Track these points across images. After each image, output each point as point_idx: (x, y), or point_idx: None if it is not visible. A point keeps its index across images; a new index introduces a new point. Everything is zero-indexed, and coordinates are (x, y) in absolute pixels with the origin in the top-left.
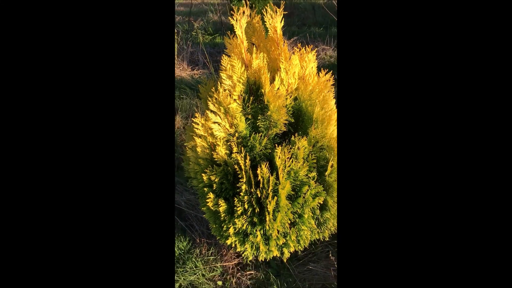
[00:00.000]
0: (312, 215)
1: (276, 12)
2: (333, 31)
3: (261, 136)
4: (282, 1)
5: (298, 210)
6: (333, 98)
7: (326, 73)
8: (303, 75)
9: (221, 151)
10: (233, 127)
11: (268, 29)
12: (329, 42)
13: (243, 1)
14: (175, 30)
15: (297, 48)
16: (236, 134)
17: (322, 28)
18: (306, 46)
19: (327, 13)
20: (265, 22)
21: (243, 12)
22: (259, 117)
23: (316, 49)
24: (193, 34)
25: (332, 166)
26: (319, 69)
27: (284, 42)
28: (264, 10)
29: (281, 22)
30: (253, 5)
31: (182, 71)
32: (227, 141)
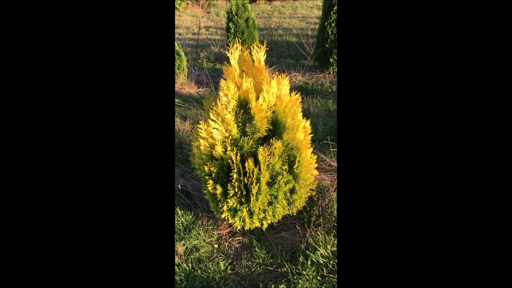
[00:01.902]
0: (284, 196)
1: (260, 48)
2: (302, 62)
3: (248, 138)
4: (265, 40)
5: (274, 193)
6: (300, 112)
7: (296, 94)
8: (279, 95)
9: (219, 149)
10: (228, 131)
11: (254, 60)
12: (299, 70)
13: (237, 39)
14: (186, 58)
15: (275, 75)
16: (230, 137)
17: (294, 60)
18: (282, 73)
19: (298, 49)
20: (252, 55)
21: (237, 48)
22: (247, 125)
23: (289, 75)
24: (199, 62)
25: (298, 161)
26: (291, 90)
27: (266, 70)
28: (252, 46)
29: (263, 55)
30: (244, 42)
31: (190, 88)
32: (223, 142)
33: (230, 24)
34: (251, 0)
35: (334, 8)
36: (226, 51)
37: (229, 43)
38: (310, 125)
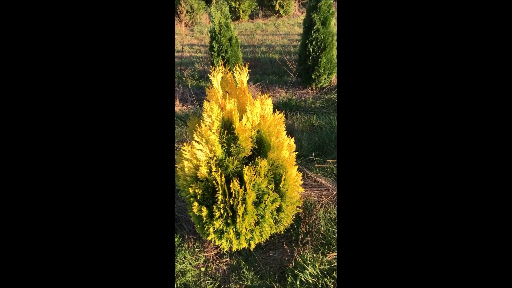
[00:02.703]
0: (271, 215)
1: (243, 69)
2: (286, 78)
3: (233, 158)
4: (247, 62)
5: (261, 212)
6: (284, 130)
7: (279, 113)
8: (263, 114)
9: (203, 170)
10: (212, 152)
11: (237, 82)
12: (283, 87)
13: (220, 57)
14: None
15: (259, 94)
16: (215, 158)
17: (278, 76)
18: (267, 89)
19: (281, 66)
20: (235, 76)
21: (219, 70)
22: (231, 145)
23: (274, 91)
24: (183, 79)
25: (284, 179)
26: (276, 106)
27: (249, 91)
28: (235, 68)
29: (246, 76)
30: (228, 60)
31: (175, 106)
32: (208, 163)
33: (214, 43)
34: (234, 18)
35: (314, 27)
36: (210, 71)
37: (213, 61)
38: (295, 141)
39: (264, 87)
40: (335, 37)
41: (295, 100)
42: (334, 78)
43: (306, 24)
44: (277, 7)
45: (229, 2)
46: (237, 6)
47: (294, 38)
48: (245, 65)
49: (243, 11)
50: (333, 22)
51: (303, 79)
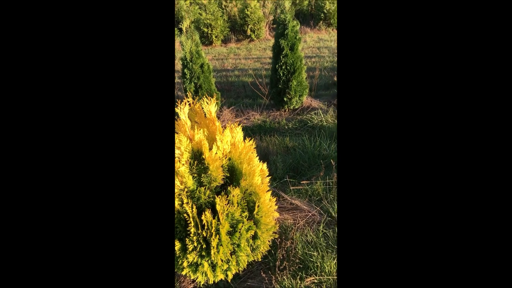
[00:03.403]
0: (247, 243)
1: (210, 100)
2: (259, 101)
3: (205, 189)
4: (221, 99)
5: (236, 241)
6: (256, 156)
7: (250, 140)
8: (233, 142)
9: (175, 203)
10: (183, 184)
11: (206, 112)
12: (257, 109)
13: (192, 83)
14: None
15: (228, 124)
16: (186, 189)
17: (251, 99)
18: (241, 114)
19: (253, 90)
20: (203, 107)
21: (186, 102)
22: (202, 175)
23: (248, 114)
24: None
25: (258, 206)
26: (250, 129)
27: (218, 120)
28: (202, 99)
29: (214, 107)
30: (201, 85)
31: None
32: (179, 195)
33: (186, 70)
34: (207, 43)
35: (283, 52)
36: (178, 103)
37: (185, 88)
38: (270, 163)
39: (238, 111)
40: (303, 61)
41: (269, 122)
42: (305, 99)
43: (275, 49)
44: (248, 31)
45: (201, 28)
46: (209, 32)
47: (266, 61)
48: (218, 90)
49: (215, 36)
50: (300, 47)
51: (276, 102)
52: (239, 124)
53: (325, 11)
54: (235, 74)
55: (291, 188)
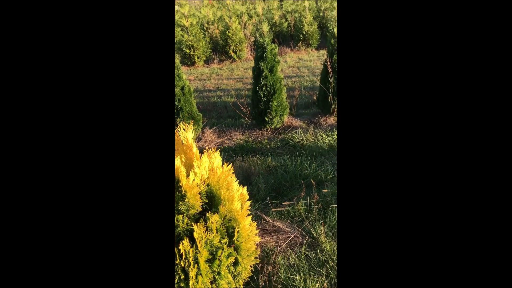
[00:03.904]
0: (227, 271)
1: (187, 127)
2: (241, 121)
3: (183, 216)
4: (203, 119)
5: (216, 269)
6: (235, 180)
7: (228, 165)
8: (212, 168)
9: None
10: None
11: (182, 139)
12: (239, 129)
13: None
14: None
15: (206, 150)
16: None
17: (234, 119)
18: (224, 134)
19: (235, 110)
20: (180, 134)
21: None
22: (180, 203)
23: (230, 134)
24: None
25: (238, 232)
26: (233, 149)
27: (195, 146)
28: (179, 127)
29: (192, 133)
30: (182, 107)
31: None
32: None
33: None
34: (190, 63)
35: (263, 74)
36: None
37: None
38: (252, 184)
39: (220, 131)
40: (282, 82)
41: (251, 142)
42: (286, 118)
43: (255, 71)
44: (230, 52)
45: (183, 49)
46: (191, 53)
47: (248, 81)
48: (200, 111)
49: (198, 57)
50: (280, 68)
51: (258, 122)
52: (221, 145)
53: (304, 32)
54: (217, 95)
55: (273, 210)
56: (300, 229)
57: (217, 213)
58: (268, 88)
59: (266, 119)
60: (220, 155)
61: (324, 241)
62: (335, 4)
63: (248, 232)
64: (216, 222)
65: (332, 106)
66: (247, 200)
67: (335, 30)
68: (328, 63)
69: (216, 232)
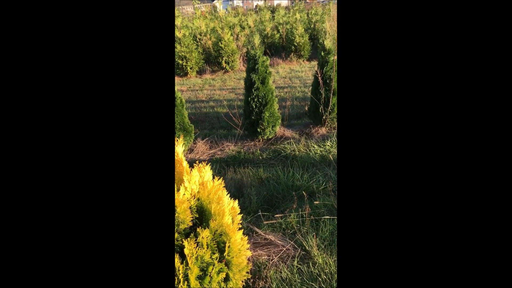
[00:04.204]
0: (218, 287)
1: (177, 141)
2: (233, 132)
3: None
4: (195, 130)
5: (207, 286)
6: (226, 194)
7: (218, 179)
8: (202, 182)
9: None
10: None
11: None
12: (231, 140)
13: None
14: None
15: (196, 164)
16: None
17: (226, 130)
18: (216, 145)
19: (227, 121)
20: None
21: None
22: None
23: (223, 145)
24: None
25: (229, 246)
26: (225, 160)
27: (185, 161)
28: None
29: (182, 146)
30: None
31: None
32: None
33: None
34: (182, 74)
35: (255, 86)
36: None
37: None
38: (244, 197)
39: (213, 142)
40: (274, 93)
41: (243, 153)
42: (278, 129)
43: (247, 83)
44: (223, 63)
45: (176, 60)
46: (184, 64)
47: (241, 92)
48: (192, 122)
49: (190, 68)
50: (271, 80)
51: (250, 132)
52: (213, 156)
53: (295, 44)
54: (209, 105)
55: (265, 222)
56: (292, 242)
57: (208, 228)
58: (260, 99)
59: (258, 129)
60: (212, 167)
61: (316, 254)
62: (326, 17)
63: (239, 246)
64: (207, 237)
65: (323, 117)
66: (239, 213)
67: (325, 42)
68: (319, 75)
69: (207, 248)
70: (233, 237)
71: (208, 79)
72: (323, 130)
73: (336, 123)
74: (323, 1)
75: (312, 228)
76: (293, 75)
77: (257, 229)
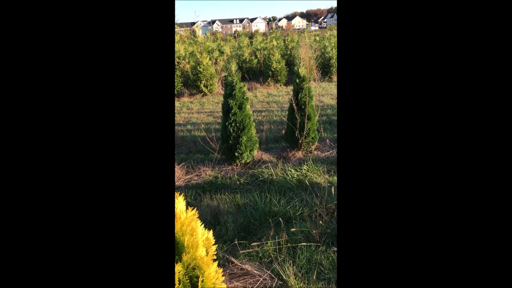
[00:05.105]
0: None
1: None
2: (211, 156)
3: None
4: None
5: None
6: (200, 225)
7: (192, 209)
8: (175, 213)
9: None
10: None
11: None
12: (208, 165)
13: None
14: None
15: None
16: None
17: (203, 154)
18: (192, 170)
19: (204, 145)
20: None
21: None
22: None
23: (199, 170)
24: None
25: (202, 281)
26: (201, 185)
27: None
28: None
29: None
30: None
31: None
32: None
33: None
34: None
35: (232, 111)
36: None
37: None
38: (221, 224)
39: (189, 167)
40: (251, 118)
41: (220, 178)
42: (256, 153)
43: (224, 108)
44: (201, 87)
45: None
46: None
47: (219, 115)
48: None
49: None
50: (248, 106)
51: (228, 157)
52: (189, 182)
53: (273, 69)
54: (187, 129)
55: (241, 252)
56: (269, 271)
57: (180, 261)
58: (237, 124)
59: (236, 154)
60: (188, 194)
61: (293, 283)
62: (301, 43)
63: (214, 280)
64: (179, 272)
65: (300, 141)
66: (214, 244)
67: (300, 70)
68: (293, 101)
69: (179, 283)
70: (207, 270)
71: (186, 102)
72: (299, 154)
73: (312, 147)
74: (298, 29)
75: (289, 256)
76: (270, 99)
77: (233, 259)
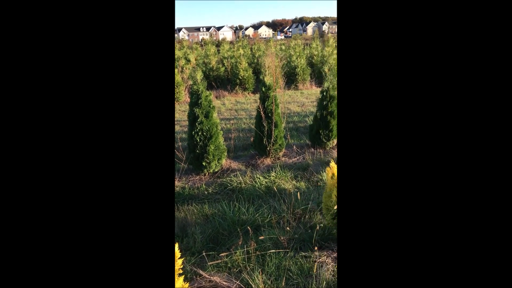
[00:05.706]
0: None
1: None
2: (178, 166)
3: None
4: None
5: None
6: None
7: None
8: None
9: None
10: None
11: None
12: (176, 175)
13: None
14: None
15: None
16: None
17: None
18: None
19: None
20: None
21: None
22: None
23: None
24: None
25: None
26: None
27: None
28: None
29: None
30: None
31: None
32: None
33: None
34: None
35: (198, 120)
36: None
37: None
38: (188, 236)
39: None
40: (219, 127)
41: (188, 189)
42: (224, 161)
43: (190, 117)
44: None
45: None
46: None
47: (185, 124)
48: None
49: None
50: (215, 114)
51: (195, 166)
52: None
53: (240, 77)
54: None
55: (210, 263)
56: (238, 282)
57: None
58: (204, 133)
59: (204, 163)
60: None
61: None
62: (268, 52)
63: None
64: None
65: (268, 148)
66: (180, 257)
67: (265, 79)
68: (261, 109)
69: None
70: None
71: None
72: (268, 161)
73: (279, 154)
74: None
75: (258, 264)
76: (238, 107)
77: (201, 272)
